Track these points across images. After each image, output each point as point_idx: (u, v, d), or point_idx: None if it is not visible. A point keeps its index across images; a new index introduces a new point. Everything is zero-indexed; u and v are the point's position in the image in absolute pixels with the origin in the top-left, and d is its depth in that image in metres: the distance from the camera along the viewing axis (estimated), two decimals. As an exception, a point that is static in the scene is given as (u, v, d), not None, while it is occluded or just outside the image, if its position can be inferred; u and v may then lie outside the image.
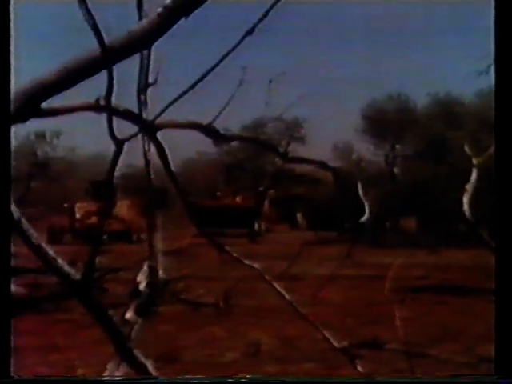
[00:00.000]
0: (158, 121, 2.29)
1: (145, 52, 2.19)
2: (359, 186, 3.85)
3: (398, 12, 35.78)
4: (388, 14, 37.12)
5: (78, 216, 32.21)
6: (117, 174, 2.31)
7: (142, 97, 2.28)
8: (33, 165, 37.11)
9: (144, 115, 2.28)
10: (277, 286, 2.75)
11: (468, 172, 5.06)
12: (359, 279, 17.99)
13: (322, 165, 3.21)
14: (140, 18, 1.94)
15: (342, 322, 12.50)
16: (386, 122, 37.22)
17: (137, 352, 2.07)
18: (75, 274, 1.97)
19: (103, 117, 2.11)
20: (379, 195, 25.50)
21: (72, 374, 9.23)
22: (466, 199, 4.78)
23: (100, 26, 1.80)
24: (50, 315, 13.64)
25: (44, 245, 1.90)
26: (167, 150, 2.37)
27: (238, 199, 37.78)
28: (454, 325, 12.69)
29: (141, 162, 2.40)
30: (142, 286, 2.28)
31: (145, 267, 2.31)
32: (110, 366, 2.10)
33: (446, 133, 34.09)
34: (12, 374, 2.09)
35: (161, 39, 1.87)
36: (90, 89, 2.00)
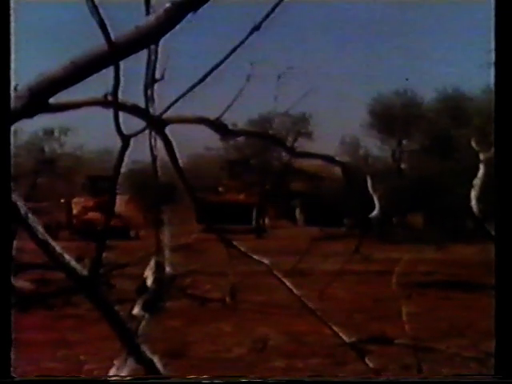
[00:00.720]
0: (165, 116, 2.29)
1: (152, 47, 2.18)
2: (368, 180, 3.83)
3: (404, 6, 35.65)
4: (395, 9, 37.02)
5: (74, 212, 31.75)
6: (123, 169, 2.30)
7: (149, 92, 2.28)
8: (40, 161, 37.14)
9: (151, 111, 2.27)
10: (285, 282, 2.75)
11: (475, 167, 5.05)
12: (367, 275, 17.99)
13: (330, 159, 3.19)
14: (147, 13, 1.94)
15: (349, 317, 12.50)
16: (392, 117, 37.13)
17: (144, 347, 2.07)
18: (82, 269, 1.97)
19: (111, 112, 2.10)
20: (386, 191, 25.46)
21: (79, 369, 9.25)
22: (473, 195, 4.76)
23: (107, 22, 1.79)
24: (57, 310, 13.67)
25: (51, 240, 1.90)
26: (175, 146, 2.37)
27: (240, 195, 37.63)
28: (460, 320, 12.67)
29: (143, 158, 2.40)
30: (149, 282, 2.28)
31: (152, 263, 2.31)
32: (117, 361, 2.10)
33: (453, 128, 34.01)
34: (12, 374, 2.09)
35: (168, 34, 1.87)
36: (98, 84, 1.99)
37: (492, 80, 2.17)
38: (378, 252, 21.82)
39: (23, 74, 1.93)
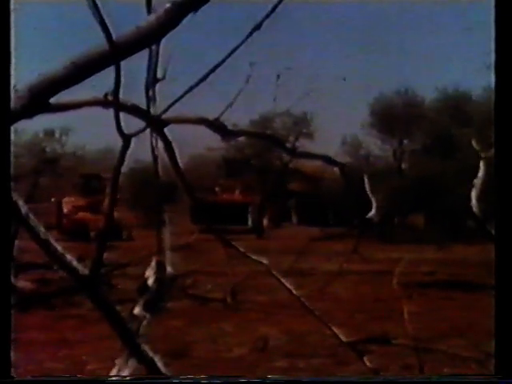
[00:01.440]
0: (165, 116, 2.29)
1: (153, 47, 2.18)
2: (366, 181, 3.83)
3: (406, 6, 35.65)
4: (396, 8, 37.02)
5: (65, 211, 30.98)
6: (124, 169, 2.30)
7: (151, 92, 2.28)
8: (41, 161, 37.09)
9: (152, 111, 2.27)
10: (285, 282, 2.75)
11: (476, 167, 5.04)
12: (367, 275, 17.99)
13: (330, 160, 3.20)
14: (149, 13, 1.94)
15: (350, 317, 12.50)
16: (393, 117, 37.12)
17: (145, 347, 2.08)
18: (83, 269, 1.98)
19: (112, 112, 2.11)
20: (387, 190, 25.47)
21: (80, 369, 9.26)
22: (473, 194, 4.76)
23: (108, 22, 1.80)
24: (58, 310, 13.68)
25: (52, 240, 1.90)
26: (174, 146, 2.37)
27: (236, 195, 37.48)
28: (461, 320, 12.67)
29: (141, 158, 2.40)
30: (150, 282, 2.28)
31: (153, 262, 2.31)
32: (118, 361, 2.10)
33: (454, 128, 33.99)
34: (12, 374, 2.09)
35: (169, 34, 1.87)
36: (98, 84, 2.00)
37: (492, 79, 2.17)
38: (379, 252, 21.84)
39: (23, 74, 1.93)
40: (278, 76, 3.64)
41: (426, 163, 34.23)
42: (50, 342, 10.77)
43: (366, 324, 11.99)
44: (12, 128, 1.89)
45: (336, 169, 3.34)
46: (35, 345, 10.05)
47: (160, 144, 2.35)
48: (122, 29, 1.83)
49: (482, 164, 4.98)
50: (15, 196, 1.86)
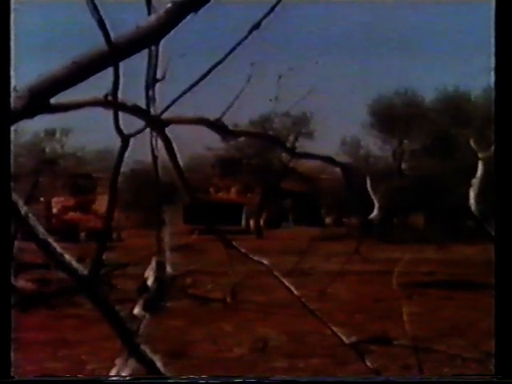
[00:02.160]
0: (165, 116, 2.29)
1: (153, 47, 2.18)
2: (368, 181, 3.82)
3: (406, 8, 35.66)
4: (396, 10, 37.02)
5: (54, 211, 30.88)
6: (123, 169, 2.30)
7: (151, 92, 2.28)
8: (41, 161, 37.03)
9: (152, 111, 2.27)
10: (285, 282, 2.74)
11: (476, 167, 5.05)
12: (367, 275, 18.00)
13: (330, 160, 3.19)
14: (149, 13, 1.94)
15: (350, 317, 12.50)
16: (393, 117, 37.13)
17: (145, 347, 2.07)
18: (83, 269, 1.97)
19: (111, 112, 2.10)
20: (387, 190, 25.48)
21: (80, 369, 9.26)
22: (472, 194, 4.76)
23: (107, 22, 1.79)
24: (58, 310, 13.68)
25: (52, 241, 1.90)
26: (175, 146, 2.36)
27: (230, 194, 37.37)
28: (461, 320, 12.67)
29: (140, 158, 2.40)
30: (149, 282, 2.28)
31: (153, 262, 2.31)
32: (118, 361, 2.10)
33: (454, 128, 34.01)
34: (12, 374, 2.09)
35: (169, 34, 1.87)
36: (99, 84, 1.99)
37: (492, 80, 2.17)
38: (379, 252, 21.83)
39: (23, 74, 1.93)
40: (280, 76, 3.64)
41: (426, 163, 34.25)
42: (49, 342, 10.76)
43: (366, 324, 11.98)
44: (12, 128, 1.89)
45: (337, 169, 3.33)
46: (35, 345, 10.04)
47: (160, 144, 2.35)
48: (121, 29, 1.83)
49: (480, 164, 4.98)
50: (15, 196, 1.86)
